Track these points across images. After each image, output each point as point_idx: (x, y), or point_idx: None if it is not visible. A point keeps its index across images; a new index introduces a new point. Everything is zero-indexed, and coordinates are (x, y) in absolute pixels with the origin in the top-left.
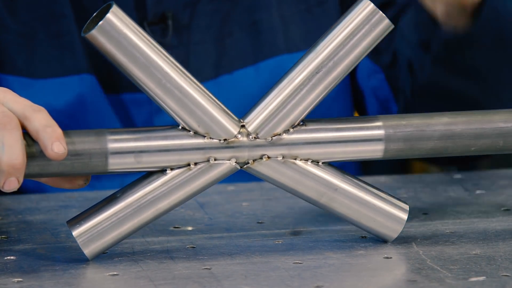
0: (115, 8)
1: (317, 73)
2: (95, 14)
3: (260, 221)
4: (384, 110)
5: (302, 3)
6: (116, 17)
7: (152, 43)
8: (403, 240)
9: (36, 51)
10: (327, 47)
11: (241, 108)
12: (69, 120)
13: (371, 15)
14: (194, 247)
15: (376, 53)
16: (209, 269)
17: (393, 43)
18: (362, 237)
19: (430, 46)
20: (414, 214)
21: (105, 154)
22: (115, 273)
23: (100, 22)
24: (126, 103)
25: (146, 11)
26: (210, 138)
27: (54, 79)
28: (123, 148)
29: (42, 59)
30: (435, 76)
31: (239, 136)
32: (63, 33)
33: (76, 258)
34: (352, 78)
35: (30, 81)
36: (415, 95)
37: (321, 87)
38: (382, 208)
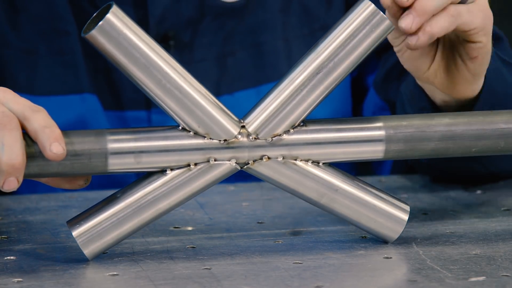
0: (115, 8)
1: (317, 74)
2: (95, 14)
3: (260, 221)
4: None
5: (306, 27)
6: (116, 17)
7: (152, 44)
8: (403, 240)
9: (38, 68)
10: (327, 48)
11: None
12: None
13: (371, 16)
14: (194, 247)
15: (385, 91)
16: (209, 269)
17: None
18: (362, 237)
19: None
20: (414, 214)
21: (105, 154)
22: (115, 273)
23: (100, 22)
24: (127, 121)
25: (148, 31)
26: (210, 138)
27: (55, 97)
28: (123, 148)
29: (43, 76)
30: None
31: (239, 136)
32: (66, 51)
33: (76, 258)
34: (356, 110)
35: (30, 98)
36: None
37: (321, 88)
38: (382, 209)
